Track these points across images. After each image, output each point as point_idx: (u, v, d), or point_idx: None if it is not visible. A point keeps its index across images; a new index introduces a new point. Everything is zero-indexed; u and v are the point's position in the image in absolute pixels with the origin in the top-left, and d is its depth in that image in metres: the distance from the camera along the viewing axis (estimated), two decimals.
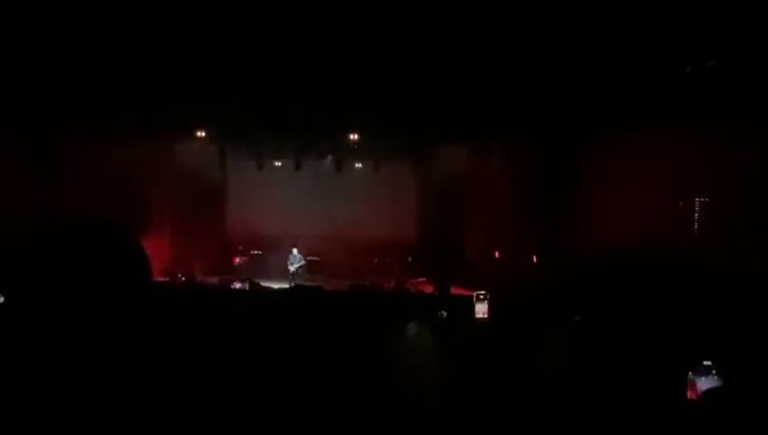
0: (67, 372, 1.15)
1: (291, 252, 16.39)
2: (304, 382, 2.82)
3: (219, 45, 10.71)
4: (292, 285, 15.21)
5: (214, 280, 15.18)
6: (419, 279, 15.73)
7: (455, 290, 11.19)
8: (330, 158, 17.89)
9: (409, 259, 17.31)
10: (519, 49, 10.53)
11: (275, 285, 13.89)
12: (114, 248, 1.26)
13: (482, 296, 6.68)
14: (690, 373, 3.00)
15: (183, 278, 14.61)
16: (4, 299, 1.18)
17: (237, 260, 17.40)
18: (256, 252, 17.77)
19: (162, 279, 13.69)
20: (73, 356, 1.16)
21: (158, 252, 14.68)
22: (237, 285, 13.41)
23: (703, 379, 2.91)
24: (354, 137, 15.65)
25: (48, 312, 1.16)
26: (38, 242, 1.21)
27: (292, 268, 16.15)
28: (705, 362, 2.94)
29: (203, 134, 15.82)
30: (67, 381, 1.16)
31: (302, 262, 16.31)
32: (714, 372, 2.90)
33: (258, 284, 13.43)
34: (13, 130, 11.02)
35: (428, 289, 13.78)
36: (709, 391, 1.21)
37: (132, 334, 1.24)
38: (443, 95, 12.53)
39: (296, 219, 18.07)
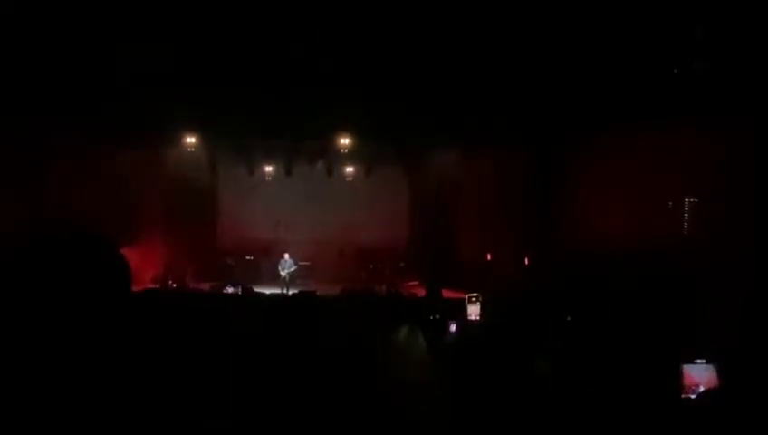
0: (49, 378, 1.15)
1: (282, 257, 16.35)
2: (298, 386, 2.82)
3: (209, 49, 10.69)
4: (285, 290, 15.19)
5: (205, 286, 15.11)
6: (412, 282, 15.72)
7: (447, 293, 11.19)
8: (320, 162, 17.87)
9: (402, 264, 17.31)
10: (507, 53, 10.57)
11: (267, 291, 13.86)
12: (93, 258, 1.25)
13: (474, 299, 6.70)
14: (684, 369, 3.02)
15: (174, 285, 14.55)
16: None
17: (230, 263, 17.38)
18: (248, 257, 17.73)
19: (153, 286, 13.62)
20: (55, 363, 1.15)
21: (149, 259, 14.61)
22: (230, 290, 13.37)
23: (697, 374, 2.91)
24: (345, 141, 15.64)
25: (28, 320, 1.15)
26: (19, 252, 1.21)
27: (283, 273, 16.10)
28: (699, 360, 2.95)
29: (193, 139, 15.77)
30: (50, 388, 1.15)
31: (294, 267, 16.27)
32: (708, 367, 2.91)
33: (251, 289, 13.38)
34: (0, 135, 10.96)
35: (421, 292, 13.77)
36: (706, 391, 1.21)
37: (112, 342, 1.24)
38: (432, 99, 12.55)
39: (288, 224, 18.03)
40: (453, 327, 6.12)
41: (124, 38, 10.07)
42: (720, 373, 2.73)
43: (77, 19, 9.54)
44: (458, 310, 6.98)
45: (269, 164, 17.96)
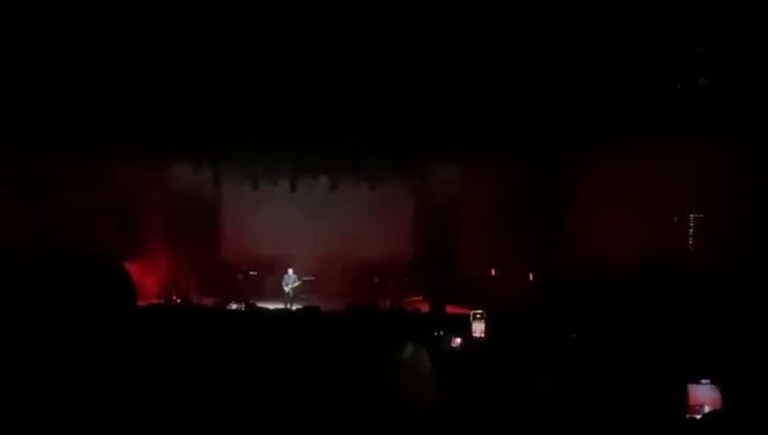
0: (57, 391, 1.16)
1: (286, 272, 16.34)
2: (302, 402, 2.80)
3: (213, 65, 10.76)
4: (289, 305, 15.16)
5: (209, 302, 15.08)
6: (415, 298, 15.67)
7: (451, 309, 11.14)
8: (324, 177, 17.91)
9: (405, 280, 17.25)
10: (511, 67, 10.61)
11: (271, 306, 13.82)
12: (100, 276, 1.27)
13: (479, 315, 6.67)
14: (689, 388, 2.98)
15: (178, 300, 14.54)
16: None
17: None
18: (253, 273, 17.71)
19: (157, 301, 13.61)
20: (63, 376, 1.16)
21: (154, 274, 14.62)
22: (233, 306, 13.34)
23: (702, 395, 2.88)
24: (348, 156, 15.69)
25: (37, 338, 1.16)
26: (27, 268, 1.22)
27: (287, 289, 16.09)
28: (704, 380, 2.92)
29: (197, 154, 15.83)
30: (59, 401, 1.16)
31: (298, 282, 16.25)
32: (713, 387, 2.88)
33: (254, 305, 13.34)
34: (5, 155, 11.03)
35: (425, 308, 13.71)
36: (711, 412, 1.20)
37: (117, 357, 1.25)
38: (436, 115, 12.59)
39: (292, 239, 18.04)
40: (456, 342, 6.09)
41: (131, 54, 10.16)
42: (724, 394, 2.70)
43: (83, 36, 9.64)
44: (463, 326, 6.94)
45: (273, 179, 18.01)
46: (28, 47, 9.65)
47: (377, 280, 17.19)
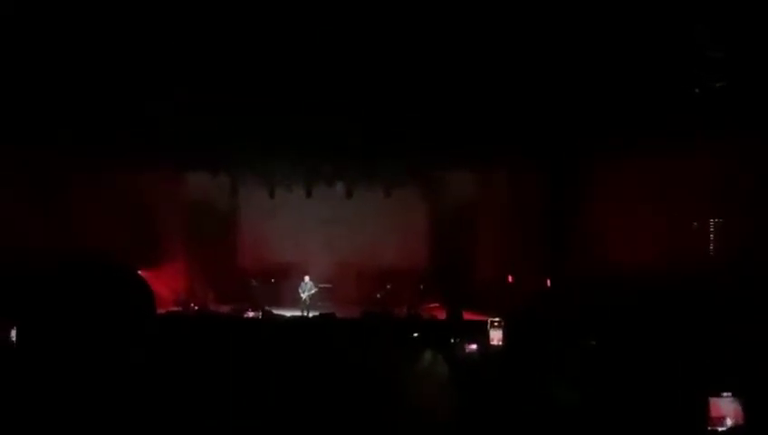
0: (76, 400, 1.17)
1: (303, 279, 16.39)
2: (318, 409, 2.81)
3: (228, 74, 10.83)
4: (305, 312, 15.21)
5: (226, 309, 15.17)
6: (432, 304, 15.63)
7: (468, 315, 11.09)
8: (340, 184, 17.95)
9: (421, 286, 17.21)
10: (524, 73, 10.58)
11: (288, 313, 13.87)
12: (118, 284, 1.29)
13: (496, 323, 6.63)
14: (711, 401, 2.94)
15: (196, 308, 14.64)
16: (17, 330, 1.21)
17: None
18: (271, 280, 17.79)
19: (175, 309, 13.72)
20: (82, 386, 1.17)
21: (171, 282, 14.73)
22: (250, 314, 13.40)
23: (723, 407, 2.84)
24: (363, 163, 15.72)
25: (57, 345, 1.18)
26: (48, 279, 1.24)
27: (303, 296, 16.14)
28: (726, 393, 2.87)
29: (214, 164, 15.94)
30: (77, 409, 1.17)
31: (314, 289, 16.29)
32: (734, 400, 2.84)
33: (271, 312, 13.38)
34: (24, 162, 11.17)
35: (441, 314, 13.67)
36: (734, 427, 1.19)
37: (135, 365, 1.26)
38: (451, 121, 12.58)
39: (308, 247, 18.09)
40: (470, 348, 6.05)
41: (147, 60, 10.25)
42: (746, 407, 2.64)
43: (97, 47, 9.75)
44: (479, 333, 6.90)
45: (289, 186, 18.09)
46: (40, 51, 9.76)
47: (389, 286, 17.16)
